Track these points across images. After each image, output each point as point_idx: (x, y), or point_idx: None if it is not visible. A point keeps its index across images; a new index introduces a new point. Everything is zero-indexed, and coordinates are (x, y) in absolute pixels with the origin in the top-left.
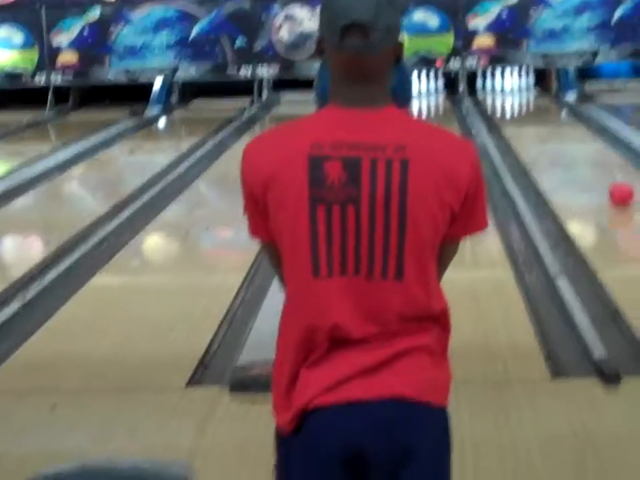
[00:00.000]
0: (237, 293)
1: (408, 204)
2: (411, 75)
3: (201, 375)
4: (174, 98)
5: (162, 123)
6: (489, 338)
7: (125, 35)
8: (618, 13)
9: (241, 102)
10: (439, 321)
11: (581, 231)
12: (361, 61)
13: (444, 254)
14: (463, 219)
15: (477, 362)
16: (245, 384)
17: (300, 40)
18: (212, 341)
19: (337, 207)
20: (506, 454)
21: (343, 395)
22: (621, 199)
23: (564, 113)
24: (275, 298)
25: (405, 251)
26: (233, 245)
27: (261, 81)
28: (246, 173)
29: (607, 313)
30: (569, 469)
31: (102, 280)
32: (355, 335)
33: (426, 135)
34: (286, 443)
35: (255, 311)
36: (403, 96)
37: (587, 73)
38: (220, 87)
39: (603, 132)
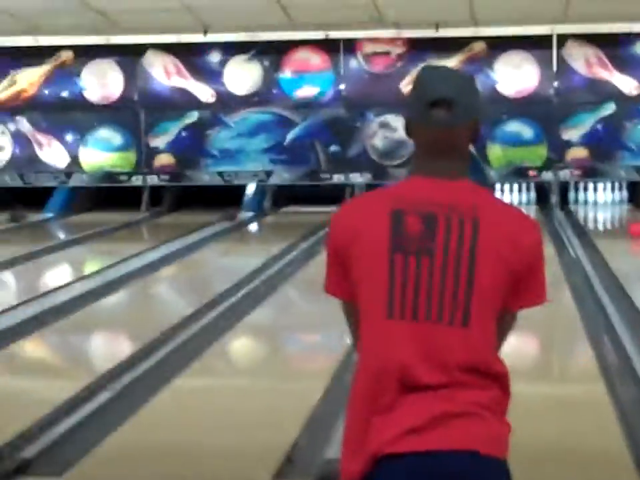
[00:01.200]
0: (325, 394)
1: (477, 258)
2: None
3: (287, 469)
4: (267, 202)
5: (254, 226)
6: (578, 451)
7: (221, 138)
8: None
9: (334, 209)
10: (500, 381)
11: None
12: (445, 134)
13: (503, 322)
14: (523, 288)
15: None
16: (332, 477)
17: (393, 147)
18: (299, 436)
19: (413, 256)
20: None
21: (417, 444)
22: None
23: None
24: None
25: (471, 302)
26: (318, 349)
27: (353, 187)
28: (333, 230)
29: None
30: None
31: (187, 379)
32: (423, 380)
33: (496, 202)
34: None
35: (342, 409)
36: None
37: None
38: (313, 193)
39: None
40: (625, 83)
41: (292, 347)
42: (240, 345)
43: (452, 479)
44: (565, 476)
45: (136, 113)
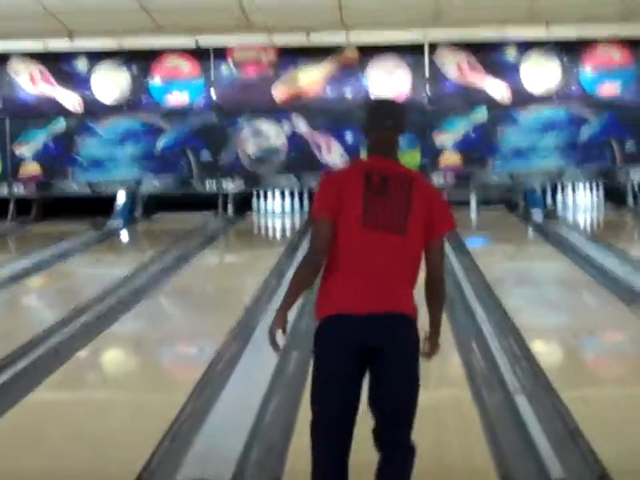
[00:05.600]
0: (182, 409)
1: (412, 196)
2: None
3: None
4: (138, 211)
5: (124, 235)
6: (444, 458)
7: (89, 146)
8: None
9: (205, 216)
10: (413, 283)
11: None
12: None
13: (433, 250)
14: (437, 221)
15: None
16: None
17: (265, 154)
18: (152, 456)
19: (377, 196)
20: None
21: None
22: None
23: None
24: (218, 416)
25: (408, 220)
26: (185, 359)
27: (225, 195)
28: (330, 182)
29: (567, 433)
30: None
31: (45, 391)
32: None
33: (417, 173)
34: (324, 331)
35: (198, 428)
36: None
37: None
38: (184, 200)
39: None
40: (496, 89)
41: (157, 358)
42: (105, 355)
43: (386, 330)
44: None
45: (0, 120)
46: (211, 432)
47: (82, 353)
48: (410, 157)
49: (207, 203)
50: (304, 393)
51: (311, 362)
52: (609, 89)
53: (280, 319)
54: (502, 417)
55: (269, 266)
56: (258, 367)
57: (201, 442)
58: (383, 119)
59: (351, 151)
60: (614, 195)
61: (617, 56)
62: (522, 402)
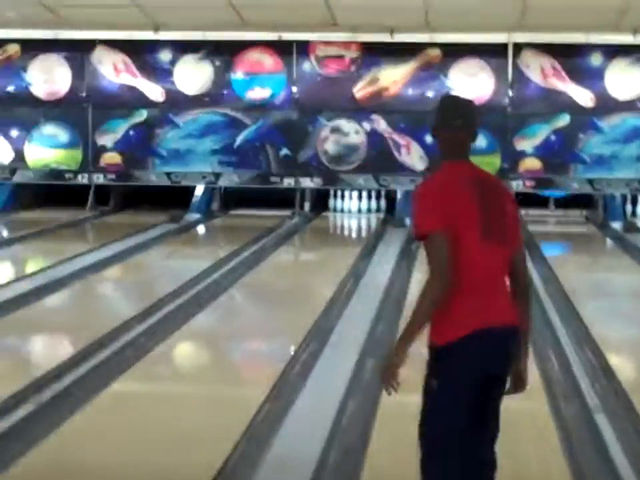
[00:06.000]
0: (260, 408)
1: (505, 207)
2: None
3: None
4: (215, 204)
5: (201, 229)
6: (522, 473)
7: (170, 138)
8: None
9: (283, 212)
10: None
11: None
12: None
13: None
14: None
15: None
16: None
17: (344, 152)
18: (229, 457)
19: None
20: None
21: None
22: None
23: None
24: (295, 419)
25: (509, 228)
26: (261, 357)
27: (303, 192)
28: (437, 191)
29: None
30: None
31: (124, 385)
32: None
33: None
34: (455, 352)
35: (276, 428)
36: None
37: None
38: (262, 196)
39: None
40: (579, 94)
41: (234, 355)
42: (181, 350)
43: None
44: None
45: (84, 109)
46: (288, 434)
47: (159, 348)
48: (489, 161)
49: (284, 199)
50: (380, 397)
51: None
52: None
53: (402, 355)
54: (579, 431)
55: (345, 266)
56: (335, 368)
57: (277, 444)
58: (452, 119)
59: (430, 153)
60: None
61: None
62: (600, 419)
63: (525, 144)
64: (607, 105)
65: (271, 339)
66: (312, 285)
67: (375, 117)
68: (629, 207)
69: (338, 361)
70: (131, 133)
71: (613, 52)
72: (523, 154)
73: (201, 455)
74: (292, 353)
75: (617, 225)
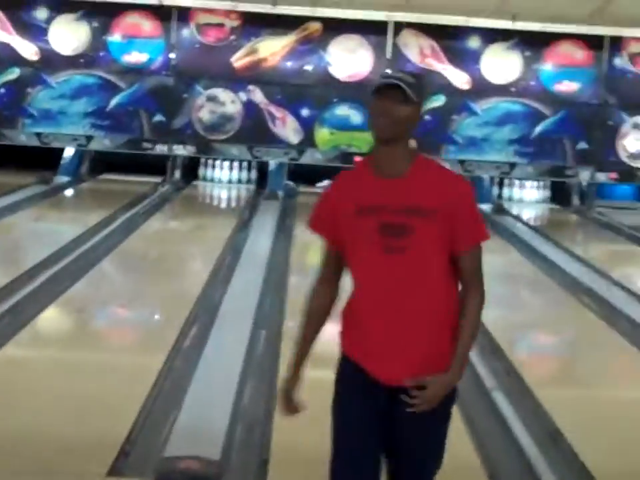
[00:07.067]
0: (157, 380)
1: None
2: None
3: (122, 463)
4: (84, 168)
5: (70, 192)
6: None
7: (41, 98)
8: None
9: (153, 179)
10: None
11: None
12: None
13: None
14: None
15: None
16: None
17: (220, 121)
18: (134, 425)
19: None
20: None
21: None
22: None
23: None
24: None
25: None
26: (151, 325)
27: (174, 159)
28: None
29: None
30: None
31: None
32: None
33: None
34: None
35: (178, 399)
36: None
37: None
38: (133, 162)
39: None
40: (455, 76)
41: (101, 321)
42: (53, 319)
43: None
44: None
45: None
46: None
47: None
48: (364, 137)
49: (155, 166)
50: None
51: None
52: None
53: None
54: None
55: (221, 236)
56: (228, 341)
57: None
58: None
59: (305, 126)
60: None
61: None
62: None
63: None
64: (482, 88)
65: (160, 310)
66: (194, 256)
67: (251, 87)
68: (496, 190)
69: (231, 332)
70: (2, 90)
71: (492, 36)
72: None
73: (104, 423)
74: (183, 324)
75: (486, 207)
